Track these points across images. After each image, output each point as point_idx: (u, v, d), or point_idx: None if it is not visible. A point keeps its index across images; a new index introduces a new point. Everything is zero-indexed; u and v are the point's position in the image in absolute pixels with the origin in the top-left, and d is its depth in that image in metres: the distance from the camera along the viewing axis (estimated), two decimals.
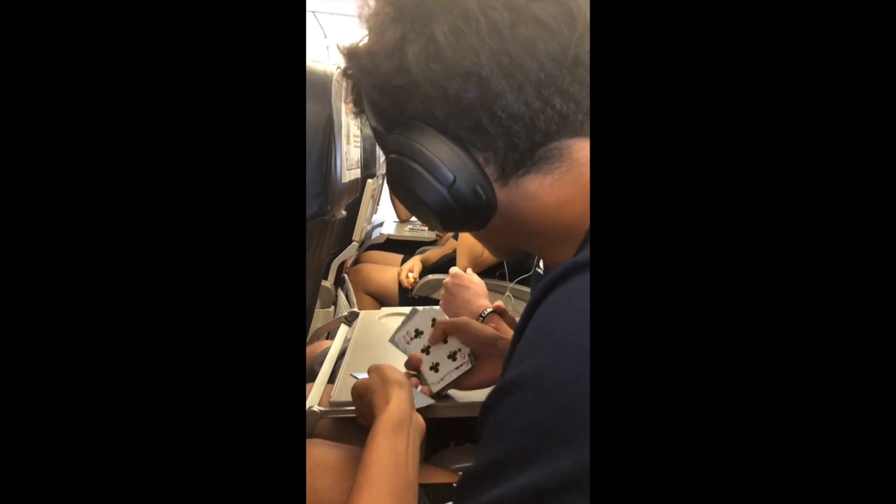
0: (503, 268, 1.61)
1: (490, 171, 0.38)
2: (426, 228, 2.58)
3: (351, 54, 0.39)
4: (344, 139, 0.74)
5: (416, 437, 0.51)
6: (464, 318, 0.68)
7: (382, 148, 0.41)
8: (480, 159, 0.38)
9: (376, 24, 0.37)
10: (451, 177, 0.37)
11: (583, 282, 0.30)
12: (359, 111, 0.42)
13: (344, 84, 0.43)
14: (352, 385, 0.66)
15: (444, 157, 0.37)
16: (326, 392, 0.74)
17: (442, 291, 0.92)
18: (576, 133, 0.37)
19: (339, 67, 0.71)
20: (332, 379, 0.78)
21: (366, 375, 0.69)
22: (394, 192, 0.42)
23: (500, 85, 0.34)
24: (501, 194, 0.39)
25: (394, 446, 0.48)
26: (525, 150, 0.37)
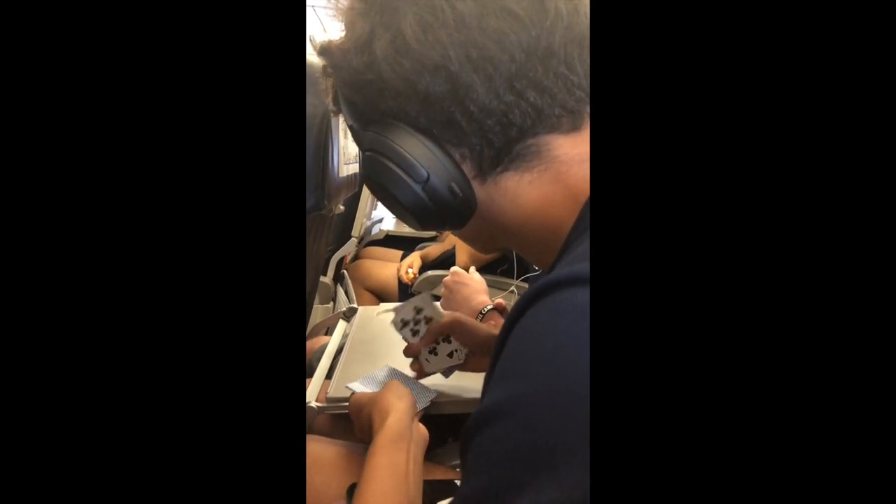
0: (504, 264, 1.60)
1: (467, 168, 0.37)
2: None
3: (324, 51, 0.39)
4: (341, 133, 0.73)
5: (417, 451, 0.50)
6: (458, 316, 0.67)
7: (358, 145, 0.41)
8: (457, 156, 0.37)
9: (347, 20, 0.37)
10: (424, 174, 0.36)
11: (563, 299, 0.29)
12: (336, 110, 0.42)
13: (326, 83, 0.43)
14: (348, 390, 0.65)
15: (417, 153, 0.36)
16: (324, 388, 0.74)
17: (442, 289, 0.91)
18: (553, 129, 0.36)
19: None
20: (329, 375, 0.78)
21: (361, 386, 0.68)
22: (370, 190, 0.41)
23: (470, 78, 0.34)
24: (481, 192, 0.38)
25: (393, 462, 0.47)
26: (501, 146, 0.36)
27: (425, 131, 0.36)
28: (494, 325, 0.76)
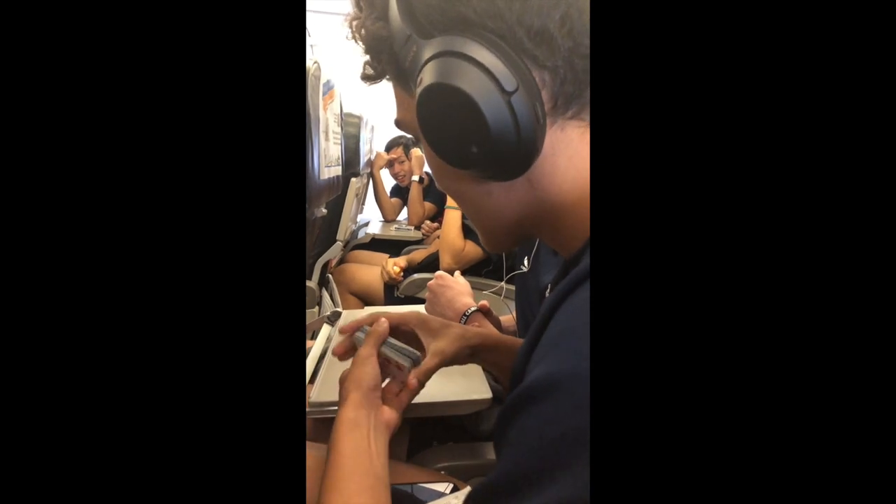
0: (489, 266, 1.60)
1: (544, 96, 0.33)
2: (412, 228, 2.57)
3: None
4: (322, 135, 0.73)
5: (378, 434, 0.50)
6: (411, 313, 0.61)
7: (416, 60, 0.34)
8: (537, 79, 0.33)
9: None
10: (515, 83, 0.31)
11: None
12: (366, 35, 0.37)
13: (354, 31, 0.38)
14: (333, 393, 0.62)
15: (507, 61, 0.31)
16: (307, 392, 0.73)
17: (426, 293, 0.91)
18: None
19: (315, 62, 0.70)
20: (312, 379, 0.77)
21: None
22: (427, 102, 0.34)
23: None
24: (548, 134, 0.34)
25: (354, 443, 0.48)
26: (583, 80, 0.33)
27: (514, 42, 0.32)
28: (478, 326, 0.76)
